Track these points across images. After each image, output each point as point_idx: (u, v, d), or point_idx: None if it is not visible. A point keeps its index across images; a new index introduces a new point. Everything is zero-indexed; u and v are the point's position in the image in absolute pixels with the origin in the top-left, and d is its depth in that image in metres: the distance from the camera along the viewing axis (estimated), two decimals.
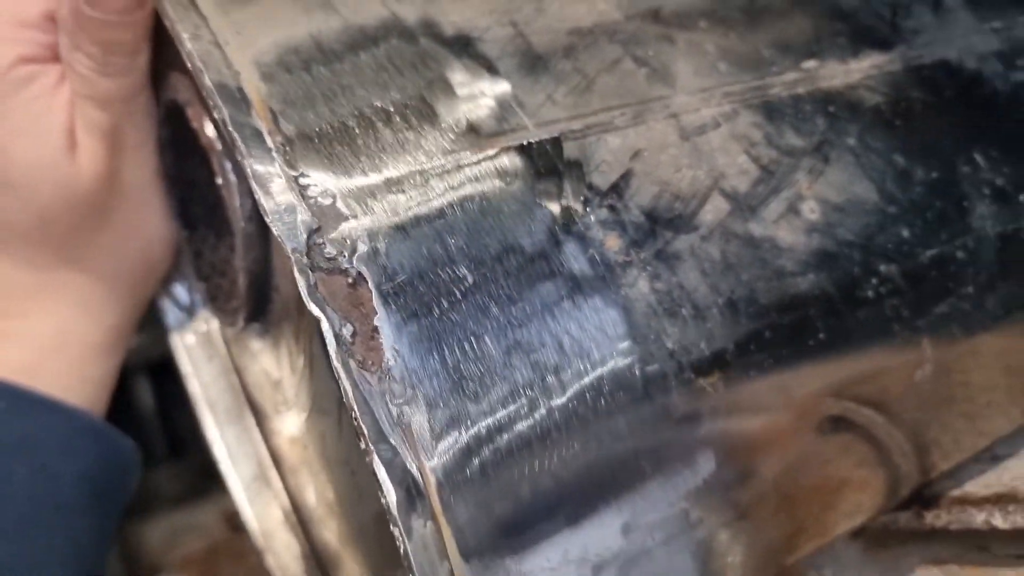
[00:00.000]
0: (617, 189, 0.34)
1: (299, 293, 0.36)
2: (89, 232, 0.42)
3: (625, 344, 0.32)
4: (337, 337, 0.28)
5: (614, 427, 0.31)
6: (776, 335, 0.35)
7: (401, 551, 0.27)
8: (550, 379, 0.31)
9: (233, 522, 0.99)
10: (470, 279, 0.31)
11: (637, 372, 0.32)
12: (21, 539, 0.40)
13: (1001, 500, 0.44)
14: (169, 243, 0.45)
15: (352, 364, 0.28)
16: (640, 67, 0.38)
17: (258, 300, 0.39)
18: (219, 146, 0.36)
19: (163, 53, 0.40)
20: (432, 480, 0.28)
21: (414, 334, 0.29)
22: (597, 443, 0.31)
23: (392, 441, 0.28)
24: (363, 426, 0.28)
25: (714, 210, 0.36)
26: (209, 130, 0.37)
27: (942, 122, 0.43)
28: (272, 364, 0.41)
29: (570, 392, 0.31)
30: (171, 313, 0.48)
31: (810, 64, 0.42)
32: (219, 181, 0.36)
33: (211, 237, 0.45)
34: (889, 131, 0.41)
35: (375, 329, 0.29)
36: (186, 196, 0.45)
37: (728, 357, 0.34)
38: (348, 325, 0.29)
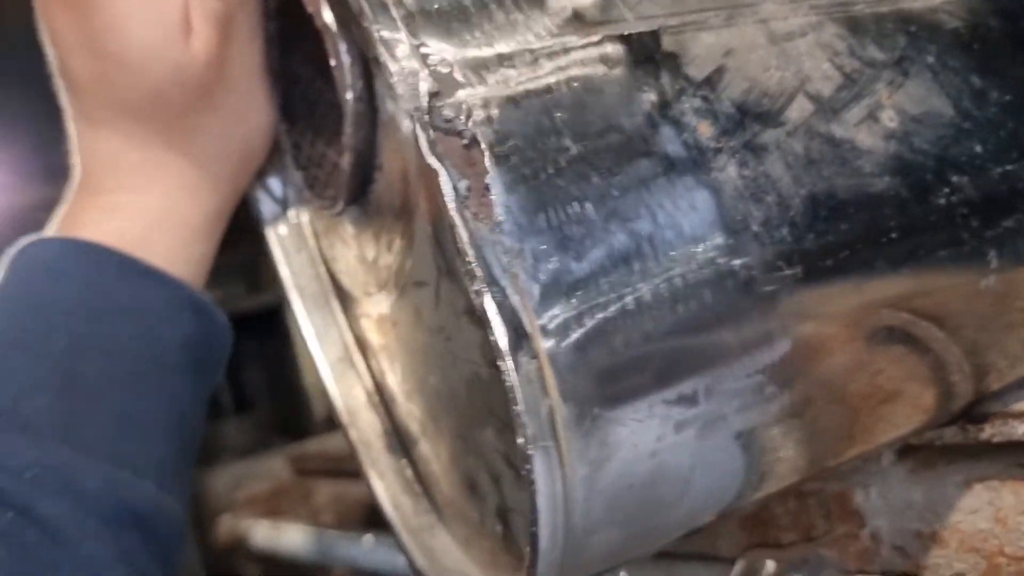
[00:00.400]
0: (710, 81, 0.36)
1: (405, 168, 0.39)
2: (197, 116, 0.45)
3: (714, 222, 0.34)
4: (455, 189, 0.31)
5: (700, 296, 0.34)
6: (852, 228, 0.37)
7: (507, 384, 0.30)
8: (644, 246, 0.33)
9: (298, 467, 1.03)
10: (574, 150, 0.33)
11: (724, 248, 0.34)
12: (129, 390, 0.43)
13: None
14: (269, 135, 0.48)
15: (467, 214, 0.31)
16: None
17: (361, 181, 0.41)
18: (335, 28, 0.39)
19: None
20: (537, 325, 0.31)
21: (522, 194, 0.32)
22: (684, 308, 0.33)
23: (503, 284, 0.30)
24: (477, 270, 0.30)
25: (799, 109, 0.38)
26: (326, 14, 0.39)
27: (1018, 51, 0.45)
28: (369, 245, 0.43)
29: (662, 260, 0.33)
30: (265, 204, 0.51)
31: None
32: (332, 63, 0.39)
33: (309, 132, 0.47)
34: (967, 53, 0.43)
35: (487, 187, 0.31)
36: (288, 92, 0.47)
37: (808, 244, 0.36)
38: (463, 180, 0.31)
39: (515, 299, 0.30)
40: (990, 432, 0.48)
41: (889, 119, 0.39)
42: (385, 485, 0.46)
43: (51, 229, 0.46)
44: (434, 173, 0.31)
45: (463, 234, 0.30)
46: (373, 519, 0.76)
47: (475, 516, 0.42)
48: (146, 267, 0.45)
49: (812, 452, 0.42)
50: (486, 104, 0.32)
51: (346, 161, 0.40)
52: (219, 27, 0.43)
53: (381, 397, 0.48)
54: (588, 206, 0.32)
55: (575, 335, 0.31)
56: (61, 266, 0.44)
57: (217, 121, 0.45)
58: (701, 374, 0.34)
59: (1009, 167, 0.42)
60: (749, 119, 0.36)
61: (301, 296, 0.50)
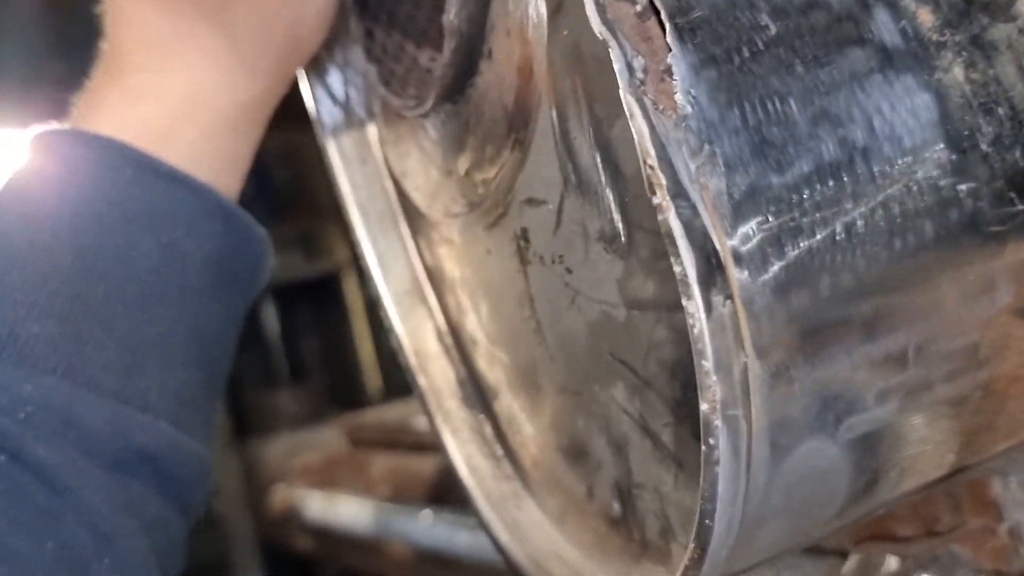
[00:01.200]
0: None
1: (523, 57, 0.31)
2: None
3: (938, 136, 0.27)
4: (629, 68, 0.23)
5: (920, 230, 0.26)
6: None
7: (694, 331, 0.22)
8: (858, 161, 0.25)
9: (354, 437, 0.97)
10: (773, 29, 0.25)
11: (949, 171, 0.27)
12: (144, 313, 0.36)
13: None
14: (326, 16, 0.40)
15: (648, 103, 0.23)
16: None
17: (461, 72, 0.33)
18: None
19: None
20: (730, 253, 0.23)
21: (712, 81, 0.24)
22: (902, 244, 0.26)
23: (692, 197, 0.23)
24: (661, 175, 0.22)
25: None
26: None
27: None
28: (459, 155, 0.35)
29: (879, 180, 0.25)
30: (324, 106, 0.43)
31: None
32: None
33: (385, 16, 0.39)
34: None
35: (667, 70, 0.24)
36: None
37: None
38: (639, 58, 0.23)
39: (707, 218, 0.23)
40: None
41: None
42: (459, 444, 0.39)
43: (72, 113, 0.39)
44: (600, 48, 0.23)
45: (642, 126, 0.22)
46: (431, 495, 0.71)
47: (579, 488, 0.35)
48: (168, 169, 0.37)
49: (963, 441, 0.34)
50: None
51: (446, 49, 0.32)
52: None
53: (456, 340, 0.41)
54: (792, 103, 0.25)
55: (775, 269, 0.24)
56: (71, 166, 0.37)
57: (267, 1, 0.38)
58: (914, 330, 0.26)
59: None
60: (975, 9, 0.28)
61: (364, 216, 0.42)
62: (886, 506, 0.35)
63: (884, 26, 0.27)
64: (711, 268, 0.22)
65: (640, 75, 0.23)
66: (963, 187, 0.27)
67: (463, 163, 0.36)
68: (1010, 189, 0.28)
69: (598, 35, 0.23)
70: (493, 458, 0.39)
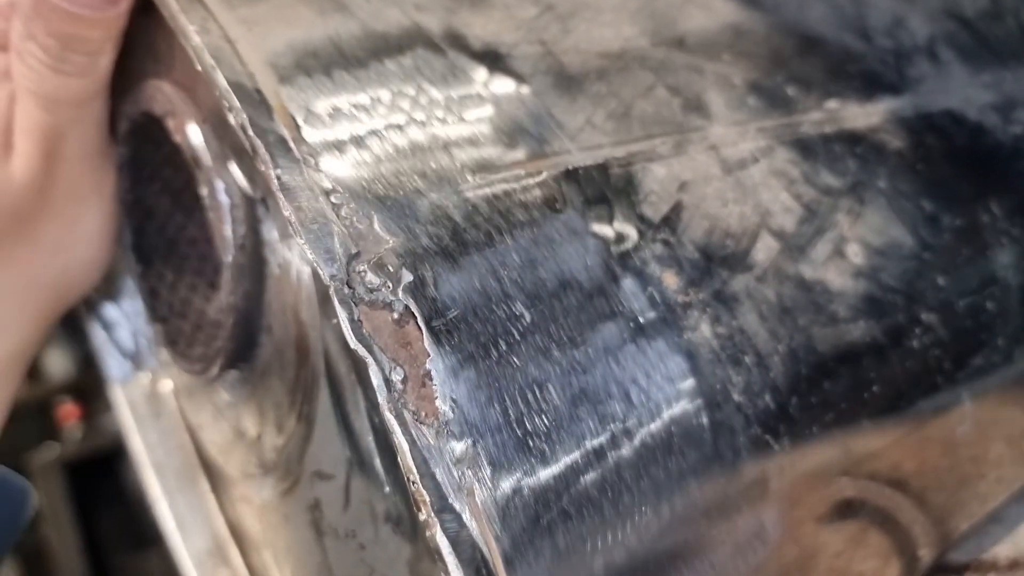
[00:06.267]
0: (669, 222, 0.31)
1: (299, 336, 0.31)
2: (8, 243, 0.36)
3: (693, 396, 0.28)
4: (387, 383, 0.24)
5: (686, 489, 0.27)
6: (835, 385, 0.32)
7: None
8: (619, 435, 0.26)
9: None
10: (528, 317, 0.26)
11: (707, 427, 0.28)
12: None
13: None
14: (93, 270, 0.39)
15: (408, 416, 0.23)
16: (674, 96, 0.35)
17: (243, 344, 0.33)
18: (209, 161, 0.31)
19: (133, 60, 0.34)
20: (502, 558, 0.23)
21: (472, 380, 0.25)
22: (669, 508, 0.27)
23: (458, 508, 0.23)
24: (424, 492, 0.23)
25: (765, 249, 0.33)
26: (196, 143, 0.31)
27: (958, 170, 0.42)
28: (250, 420, 0.35)
29: (640, 448, 0.27)
30: (113, 360, 0.42)
31: (832, 104, 0.40)
32: (206, 203, 0.31)
33: (168, 274, 0.39)
34: (914, 175, 0.40)
35: (427, 374, 0.24)
36: (142, 227, 0.39)
37: (792, 411, 0.31)
38: (398, 369, 0.24)
39: (474, 528, 0.23)
40: None
41: (854, 254, 0.35)
42: None
43: None
44: (359, 361, 0.24)
45: (403, 445, 0.23)
46: None
47: None
48: None
49: None
50: (418, 263, 0.26)
51: (226, 324, 0.32)
52: (45, 145, 0.35)
53: None
54: (552, 389, 0.26)
55: (548, 563, 0.24)
56: None
57: (31, 251, 0.37)
58: None
59: (971, 299, 0.38)
60: (715, 264, 0.31)
61: (159, 473, 0.41)
62: None
63: (633, 295, 0.29)
64: None
65: (399, 387, 0.24)
66: (722, 440, 0.28)
67: (252, 428, 0.35)
68: (765, 432, 0.30)
69: (354, 350, 0.24)
70: None
